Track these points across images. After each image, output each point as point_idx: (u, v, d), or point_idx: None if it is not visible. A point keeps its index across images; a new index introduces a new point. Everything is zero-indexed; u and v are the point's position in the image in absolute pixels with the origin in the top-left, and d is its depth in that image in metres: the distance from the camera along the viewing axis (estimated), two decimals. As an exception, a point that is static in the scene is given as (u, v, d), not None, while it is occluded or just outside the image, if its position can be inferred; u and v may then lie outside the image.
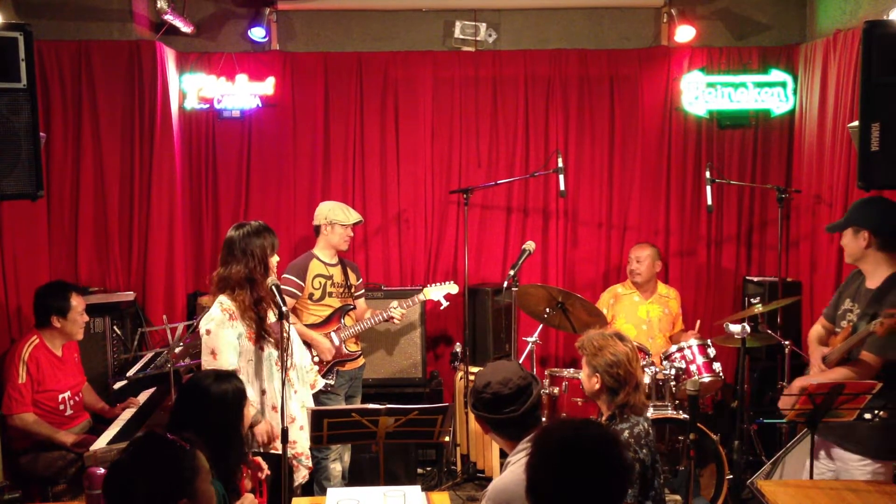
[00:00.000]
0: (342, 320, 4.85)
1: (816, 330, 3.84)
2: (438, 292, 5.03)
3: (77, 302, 4.33)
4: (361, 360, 4.98)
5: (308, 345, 4.56)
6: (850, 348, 3.39)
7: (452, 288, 5.05)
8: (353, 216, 4.88)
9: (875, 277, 3.48)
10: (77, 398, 4.39)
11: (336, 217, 4.81)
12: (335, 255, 4.88)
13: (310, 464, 3.84)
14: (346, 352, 4.81)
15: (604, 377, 3.02)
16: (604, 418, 3.09)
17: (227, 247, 3.67)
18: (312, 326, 4.76)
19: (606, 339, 3.10)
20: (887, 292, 3.40)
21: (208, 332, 3.57)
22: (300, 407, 3.80)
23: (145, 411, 4.42)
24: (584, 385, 3.15)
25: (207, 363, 3.56)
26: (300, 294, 4.75)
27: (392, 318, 4.85)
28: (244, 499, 2.93)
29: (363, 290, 5.11)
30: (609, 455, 1.95)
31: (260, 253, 3.65)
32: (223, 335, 3.56)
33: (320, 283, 4.79)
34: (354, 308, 4.95)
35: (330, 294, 4.82)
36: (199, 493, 2.11)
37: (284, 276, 4.71)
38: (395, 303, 4.91)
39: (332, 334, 4.78)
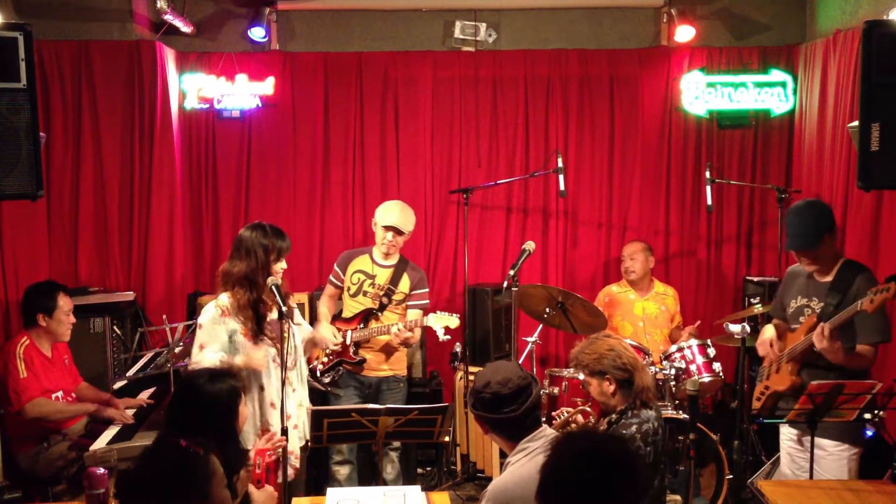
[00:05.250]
0: (362, 322, 4.61)
1: (771, 327, 3.89)
2: (439, 322, 4.45)
3: (64, 302, 4.31)
4: (376, 371, 4.64)
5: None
6: (839, 325, 3.38)
7: (452, 322, 4.46)
8: (390, 217, 4.50)
9: (826, 272, 3.57)
10: (70, 399, 4.37)
11: (377, 216, 4.57)
12: (392, 256, 4.61)
13: (297, 464, 3.82)
14: (351, 355, 4.61)
15: (615, 374, 3.08)
16: (613, 416, 3.11)
17: (236, 244, 3.75)
18: (343, 320, 4.62)
19: (595, 342, 3.19)
20: (848, 279, 3.49)
21: (200, 326, 3.69)
22: (297, 405, 3.81)
23: (145, 412, 4.42)
24: (596, 394, 3.16)
25: (194, 354, 3.68)
26: (340, 285, 4.65)
27: (391, 333, 4.47)
28: (264, 490, 2.93)
29: (424, 302, 4.65)
30: (628, 473, 1.93)
31: (263, 256, 3.68)
32: (214, 332, 3.65)
33: (358, 278, 4.61)
34: (378, 314, 4.59)
35: (365, 293, 4.60)
36: (212, 498, 2.11)
37: (334, 265, 4.73)
38: (399, 324, 4.48)
39: (349, 332, 4.59)
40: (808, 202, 3.76)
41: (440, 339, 4.47)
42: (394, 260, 4.65)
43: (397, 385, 4.71)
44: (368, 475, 4.76)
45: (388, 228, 4.53)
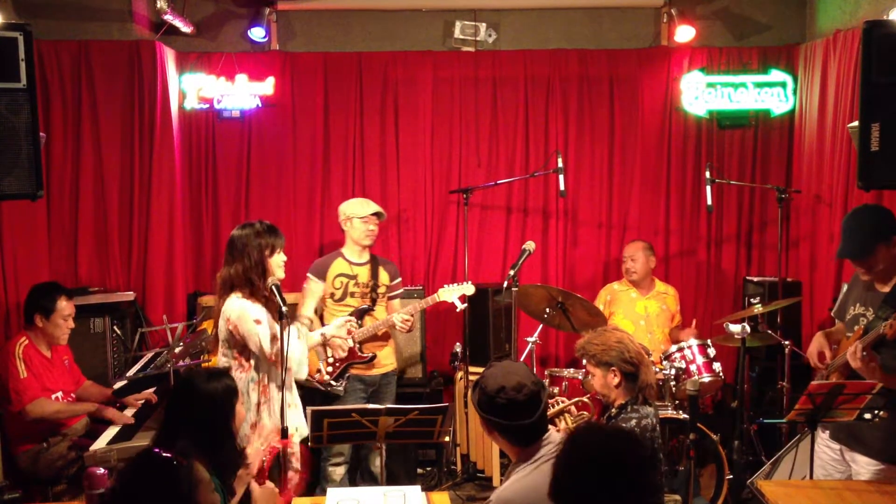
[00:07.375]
0: (359, 322, 4.59)
1: (819, 338, 3.66)
2: (453, 294, 4.67)
3: (63, 306, 4.28)
4: (380, 368, 4.71)
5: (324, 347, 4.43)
6: (868, 344, 3.20)
7: (468, 289, 4.71)
8: (371, 207, 4.71)
9: (886, 282, 3.36)
10: (70, 399, 4.36)
11: (353, 211, 4.69)
12: (364, 252, 4.72)
13: (298, 466, 3.76)
14: (360, 354, 4.64)
15: (621, 367, 3.09)
16: (613, 410, 3.11)
17: (229, 246, 3.64)
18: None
19: (603, 334, 3.20)
20: None
21: (258, 321, 3.50)
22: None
23: (145, 411, 4.42)
24: (599, 386, 3.16)
25: (270, 346, 3.48)
26: (320, 293, 4.65)
27: (394, 324, 4.56)
28: (265, 487, 2.93)
29: (400, 291, 4.88)
30: (641, 469, 1.92)
31: (257, 254, 3.56)
32: (270, 320, 3.53)
33: (341, 282, 4.66)
34: (372, 310, 4.69)
35: (352, 294, 4.66)
36: None
37: (307, 274, 4.70)
38: (399, 314, 4.58)
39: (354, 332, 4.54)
40: (867, 207, 3.58)
41: (458, 309, 4.70)
42: (367, 256, 4.76)
43: (394, 378, 4.86)
44: (354, 470, 4.86)
45: (370, 217, 4.67)
